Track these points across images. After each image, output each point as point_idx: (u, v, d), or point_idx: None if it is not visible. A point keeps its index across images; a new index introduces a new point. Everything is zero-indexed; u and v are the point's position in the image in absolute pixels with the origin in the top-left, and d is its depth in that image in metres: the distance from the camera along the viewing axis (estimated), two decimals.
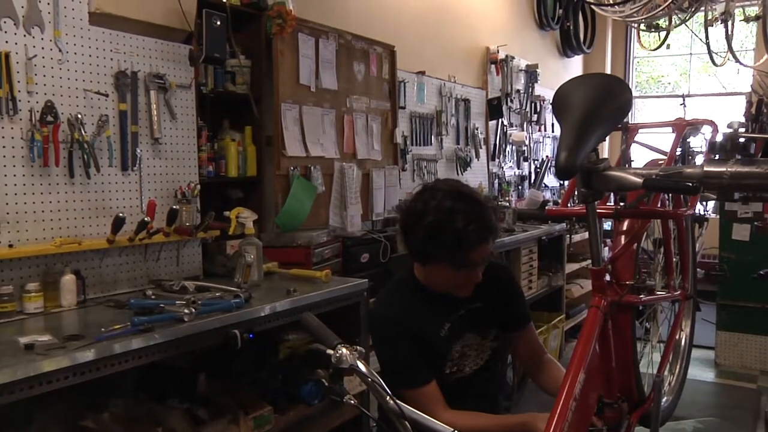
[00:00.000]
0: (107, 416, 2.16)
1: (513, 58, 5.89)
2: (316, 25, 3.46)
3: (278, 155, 3.18)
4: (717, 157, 1.81)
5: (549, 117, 6.57)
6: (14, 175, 2.18)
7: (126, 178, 2.53)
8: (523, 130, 6.12)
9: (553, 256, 5.22)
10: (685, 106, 5.71)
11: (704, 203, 3.17)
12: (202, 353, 2.38)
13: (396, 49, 4.12)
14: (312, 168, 3.38)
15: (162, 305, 2.07)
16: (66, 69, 2.31)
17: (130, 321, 1.90)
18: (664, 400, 2.36)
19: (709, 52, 5.28)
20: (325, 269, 2.74)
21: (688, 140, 2.33)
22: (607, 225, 3.70)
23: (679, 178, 1.68)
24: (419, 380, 1.69)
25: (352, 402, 1.22)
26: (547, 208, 4.02)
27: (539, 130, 6.52)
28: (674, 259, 2.33)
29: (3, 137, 2.14)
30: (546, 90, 6.33)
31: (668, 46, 5.69)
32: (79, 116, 2.32)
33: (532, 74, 6.16)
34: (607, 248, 3.52)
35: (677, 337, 2.52)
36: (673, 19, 5.28)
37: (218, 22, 2.73)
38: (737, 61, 5.45)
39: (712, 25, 5.10)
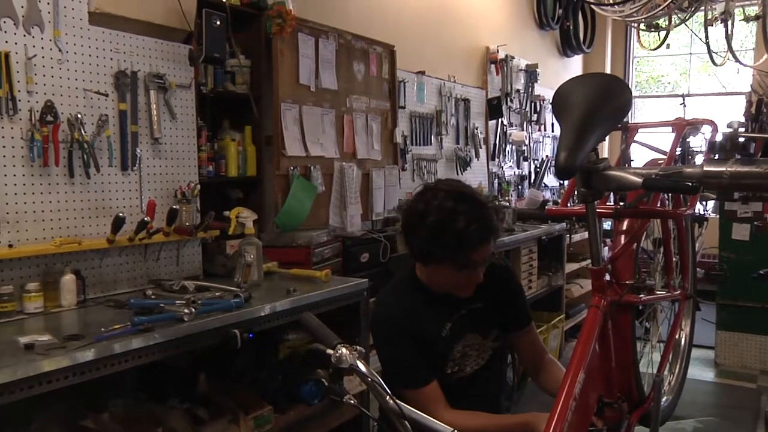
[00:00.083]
0: (107, 416, 2.16)
1: (513, 57, 5.89)
2: (316, 24, 3.46)
3: (278, 155, 3.18)
4: (717, 156, 1.81)
5: (549, 117, 6.57)
6: (14, 175, 2.18)
7: (126, 178, 2.53)
8: (522, 130, 6.12)
9: (553, 256, 5.23)
10: (684, 105, 5.70)
11: (704, 203, 3.17)
12: (202, 353, 2.38)
13: (396, 48, 4.12)
14: (312, 168, 3.38)
15: (162, 305, 2.07)
16: (66, 69, 2.31)
17: (130, 321, 1.90)
18: (664, 399, 2.36)
19: (709, 51, 5.28)
20: (325, 269, 2.74)
21: (687, 140, 2.32)
22: (607, 225, 3.70)
23: (678, 178, 1.68)
24: (420, 380, 1.70)
25: (352, 402, 1.22)
26: (546, 207, 4.03)
27: (539, 130, 6.52)
28: (674, 259, 2.33)
29: (3, 137, 2.14)
30: (546, 90, 6.33)
31: (668, 46, 5.70)
32: (79, 116, 2.32)
33: (531, 74, 6.16)
34: (606, 248, 3.52)
35: (677, 336, 2.51)
36: (672, 19, 5.28)
37: (218, 22, 2.73)
38: (737, 60, 5.45)
39: (712, 25, 5.10)
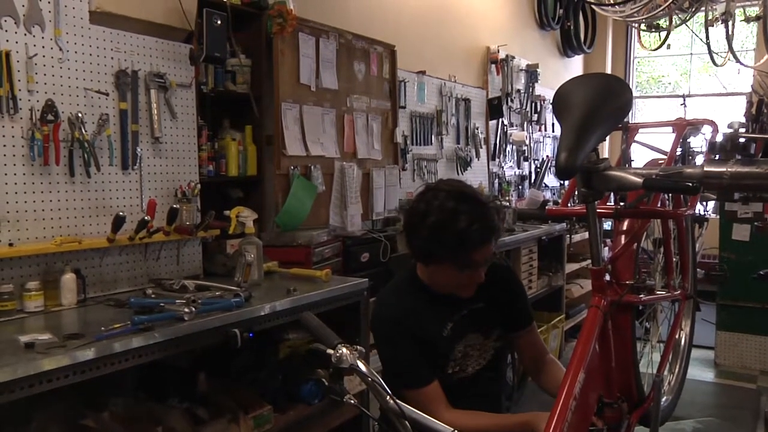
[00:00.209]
0: (107, 415, 2.16)
1: (513, 57, 5.89)
2: (317, 24, 3.46)
3: (278, 154, 3.18)
4: (717, 157, 1.81)
5: (549, 117, 6.57)
6: (14, 174, 2.18)
7: (126, 177, 2.53)
8: (523, 130, 6.12)
9: (553, 256, 5.23)
10: (685, 106, 5.70)
11: (704, 203, 3.17)
12: (202, 352, 2.39)
13: (396, 48, 4.12)
14: (312, 167, 3.38)
15: (162, 304, 2.07)
16: (66, 68, 2.31)
17: (130, 320, 1.90)
18: (663, 399, 2.36)
19: (710, 52, 5.28)
20: (326, 269, 2.74)
21: (688, 140, 2.33)
22: (607, 225, 3.70)
23: (679, 178, 1.68)
24: (421, 380, 1.70)
25: (352, 402, 1.22)
26: (547, 207, 4.02)
27: (539, 130, 6.52)
28: (674, 259, 2.33)
29: (3, 136, 2.14)
30: (546, 90, 6.33)
31: (669, 46, 5.69)
32: (80, 115, 2.32)
33: (532, 74, 6.16)
34: (607, 248, 3.52)
35: (677, 336, 2.52)
36: (673, 19, 5.28)
37: (219, 22, 2.73)
38: (738, 61, 5.45)
39: (713, 25, 5.10)
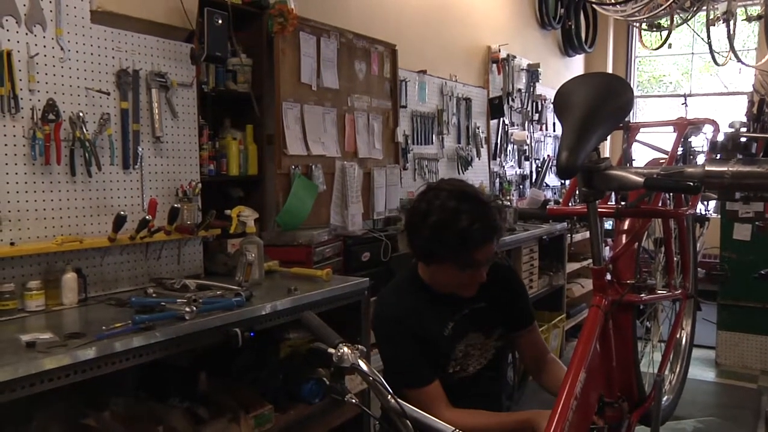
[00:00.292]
0: (108, 414, 2.16)
1: (514, 57, 5.89)
2: (318, 23, 3.46)
3: (279, 154, 3.18)
4: (718, 156, 1.80)
5: (550, 116, 6.57)
6: (16, 173, 2.18)
7: (127, 177, 2.53)
8: (524, 130, 6.12)
9: (554, 256, 5.23)
10: (686, 105, 5.70)
11: (705, 203, 3.17)
12: (203, 352, 2.39)
13: (397, 47, 4.12)
14: (313, 167, 3.38)
15: (163, 303, 2.07)
16: (68, 67, 2.31)
17: (131, 319, 1.90)
18: (664, 399, 2.35)
19: (711, 51, 5.27)
20: (326, 268, 2.74)
21: (689, 140, 2.32)
22: (608, 224, 3.70)
23: (680, 178, 1.68)
24: (422, 380, 1.70)
25: (354, 401, 1.22)
26: (548, 207, 4.02)
27: (540, 130, 6.52)
28: (675, 259, 2.33)
29: (5, 135, 2.14)
30: (547, 89, 6.32)
31: (670, 46, 5.69)
32: (81, 114, 2.33)
33: (533, 73, 6.16)
34: (608, 247, 3.52)
35: (678, 336, 2.51)
36: (674, 19, 5.28)
37: (220, 21, 2.73)
38: (739, 60, 5.44)
39: (714, 25, 5.09)
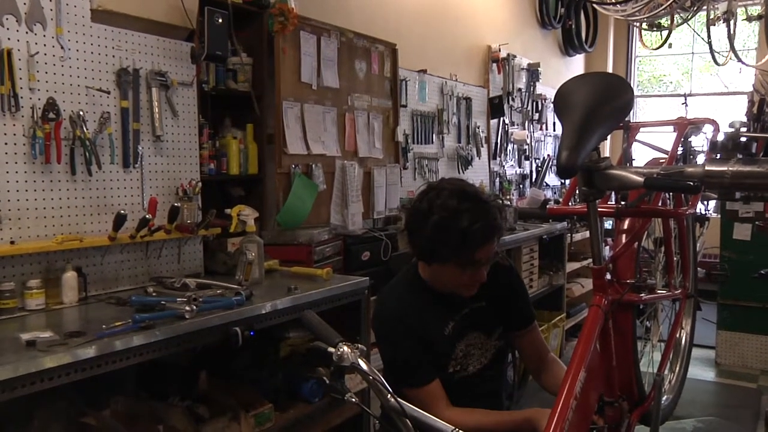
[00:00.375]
0: (108, 413, 2.16)
1: (515, 56, 5.89)
2: (318, 23, 3.46)
3: (279, 153, 3.18)
4: (718, 156, 1.81)
5: (550, 116, 6.57)
6: (16, 172, 2.18)
7: (127, 176, 2.53)
8: (524, 129, 6.11)
9: (554, 255, 5.23)
10: (686, 105, 5.70)
11: (705, 202, 3.17)
12: (203, 351, 2.38)
13: (398, 47, 4.12)
14: (313, 166, 3.38)
15: (163, 302, 2.07)
16: (68, 66, 2.31)
17: (132, 318, 1.90)
18: (664, 398, 2.36)
19: (711, 51, 5.27)
20: (326, 267, 2.74)
21: (689, 139, 2.32)
22: (608, 224, 3.70)
23: (680, 178, 1.68)
24: (422, 379, 1.70)
25: (354, 400, 1.22)
26: (548, 206, 4.02)
27: (540, 129, 6.51)
28: (675, 258, 2.33)
29: (5, 134, 2.14)
30: (547, 89, 6.32)
31: (670, 45, 5.69)
32: (81, 113, 2.33)
33: (533, 73, 6.15)
34: (608, 247, 3.52)
35: (678, 335, 2.52)
36: (675, 18, 5.28)
37: (220, 20, 2.73)
38: (739, 60, 5.44)
39: (714, 25, 5.09)
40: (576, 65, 7.70)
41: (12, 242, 2.16)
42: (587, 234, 4.45)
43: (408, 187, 4.32)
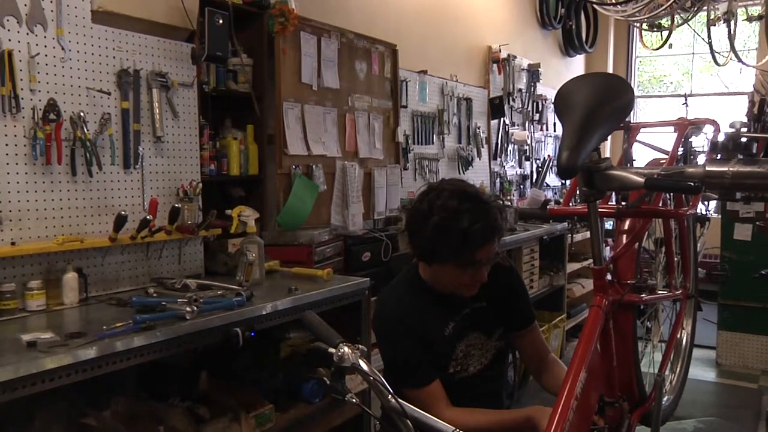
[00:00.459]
0: (109, 414, 2.17)
1: (515, 57, 5.89)
2: (318, 23, 3.46)
3: (280, 154, 3.18)
4: (719, 156, 1.81)
5: (551, 116, 6.57)
6: (17, 173, 2.18)
7: (128, 177, 2.53)
8: (524, 130, 6.11)
9: (555, 256, 5.23)
10: (687, 105, 5.70)
11: (706, 203, 3.17)
12: (204, 351, 2.39)
13: (398, 47, 4.12)
14: (314, 167, 3.38)
15: (164, 303, 2.07)
16: (69, 67, 2.32)
17: (132, 319, 1.90)
18: (665, 399, 2.35)
19: (712, 51, 5.27)
20: (327, 268, 2.74)
21: (690, 140, 2.32)
22: (609, 224, 3.70)
23: (680, 178, 1.68)
24: (422, 380, 1.70)
25: (354, 400, 1.22)
26: (548, 207, 4.02)
27: (541, 130, 6.51)
28: (675, 259, 2.33)
29: (6, 135, 2.14)
30: (548, 89, 6.32)
31: (670, 46, 5.69)
32: (82, 114, 2.33)
33: (534, 73, 6.15)
34: (608, 248, 3.52)
35: (678, 336, 2.51)
36: (675, 19, 5.28)
37: (220, 21, 2.73)
38: (740, 60, 5.44)
39: (715, 25, 5.09)
40: (576, 66, 7.71)
41: (13, 243, 2.16)
42: (588, 234, 4.44)
43: (408, 188, 4.32)
